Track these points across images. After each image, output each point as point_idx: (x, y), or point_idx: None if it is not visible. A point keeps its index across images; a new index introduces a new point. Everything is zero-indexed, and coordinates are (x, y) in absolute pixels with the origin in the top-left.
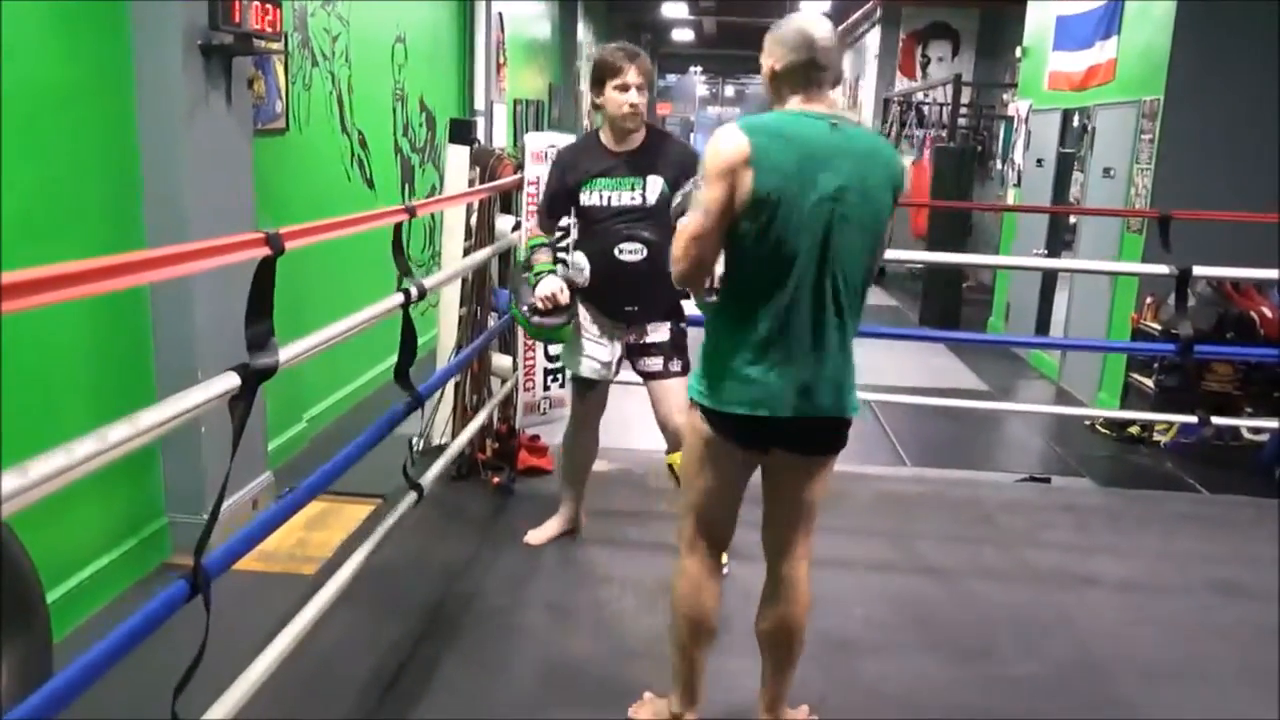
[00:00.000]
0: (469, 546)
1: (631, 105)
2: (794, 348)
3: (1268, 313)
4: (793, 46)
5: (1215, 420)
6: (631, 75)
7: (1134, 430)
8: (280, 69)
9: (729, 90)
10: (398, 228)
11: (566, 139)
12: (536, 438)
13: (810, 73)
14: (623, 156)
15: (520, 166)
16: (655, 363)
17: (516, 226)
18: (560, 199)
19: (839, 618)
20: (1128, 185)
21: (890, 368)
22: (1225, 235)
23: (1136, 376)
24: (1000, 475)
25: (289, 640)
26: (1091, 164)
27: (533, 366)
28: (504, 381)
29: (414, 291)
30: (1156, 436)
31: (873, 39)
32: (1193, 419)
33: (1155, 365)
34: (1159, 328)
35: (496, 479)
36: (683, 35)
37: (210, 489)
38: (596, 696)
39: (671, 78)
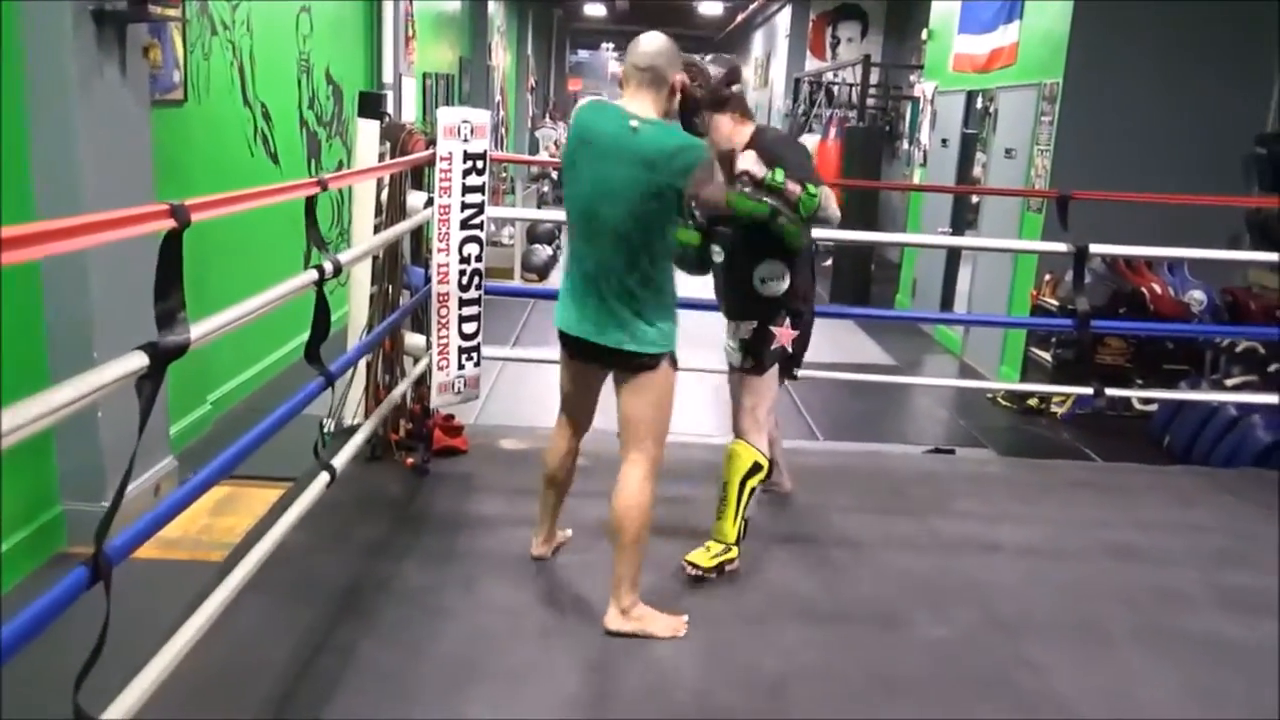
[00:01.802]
0: (385, 528)
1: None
2: (575, 286)
3: (1158, 289)
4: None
5: (1109, 392)
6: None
7: (1033, 402)
8: (178, 37)
9: None
10: (310, 201)
11: (480, 114)
12: (451, 418)
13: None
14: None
15: (432, 142)
16: (737, 358)
17: (429, 203)
18: None
19: (758, 589)
20: (1028, 166)
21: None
22: (1119, 215)
23: (1035, 351)
24: (908, 447)
25: (197, 628)
26: (994, 145)
27: (447, 345)
28: (417, 361)
29: (328, 268)
30: (1054, 408)
31: (783, 18)
32: (1088, 391)
33: (1053, 340)
34: (1057, 304)
35: (411, 460)
36: (595, 10)
37: (111, 475)
38: (516, 672)
39: (583, 54)
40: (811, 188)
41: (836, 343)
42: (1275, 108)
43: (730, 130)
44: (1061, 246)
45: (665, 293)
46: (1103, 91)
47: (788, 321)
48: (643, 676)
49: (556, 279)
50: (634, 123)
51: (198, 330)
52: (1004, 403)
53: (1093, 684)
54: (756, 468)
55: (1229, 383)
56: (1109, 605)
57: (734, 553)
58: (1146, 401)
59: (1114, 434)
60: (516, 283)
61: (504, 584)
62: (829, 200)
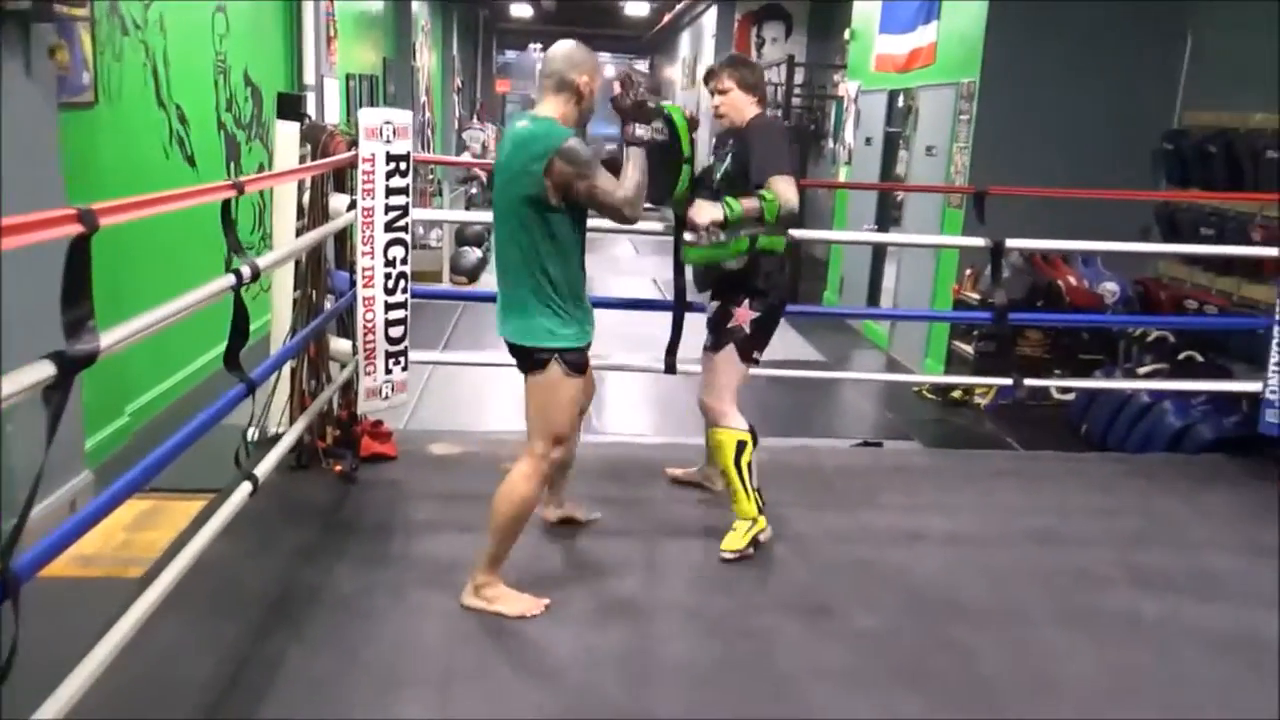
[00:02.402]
0: (312, 536)
1: (713, 107)
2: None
3: (1073, 281)
4: None
5: (1027, 382)
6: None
7: (957, 394)
8: (86, 38)
9: None
10: (226, 204)
11: (403, 115)
12: (379, 423)
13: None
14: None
15: (354, 143)
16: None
17: (352, 206)
18: None
19: (697, 587)
20: (948, 163)
21: None
22: (1036, 210)
23: (959, 344)
24: (837, 441)
25: (114, 645)
26: (915, 143)
27: (373, 350)
28: (343, 366)
29: (246, 272)
30: (977, 399)
31: (709, 19)
32: (1008, 382)
33: (974, 333)
34: (977, 297)
35: (339, 467)
36: (521, 11)
37: (19, 490)
38: (448, 677)
39: (511, 54)
40: (767, 194)
41: None
42: (1180, 104)
43: (743, 109)
44: (979, 241)
45: (556, 290)
46: (1017, 90)
47: (747, 302)
48: (574, 677)
49: (487, 282)
50: (522, 121)
51: (108, 338)
52: (929, 395)
53: (1016, 666)
54: (741, 446)
55: (1141, 371)
56: (1031, 589)
57: (761, 522)
58: (1064, 391)
59: (1034, 423)
60: (445, 285)
61: (435, 589)
62: (786, 193)
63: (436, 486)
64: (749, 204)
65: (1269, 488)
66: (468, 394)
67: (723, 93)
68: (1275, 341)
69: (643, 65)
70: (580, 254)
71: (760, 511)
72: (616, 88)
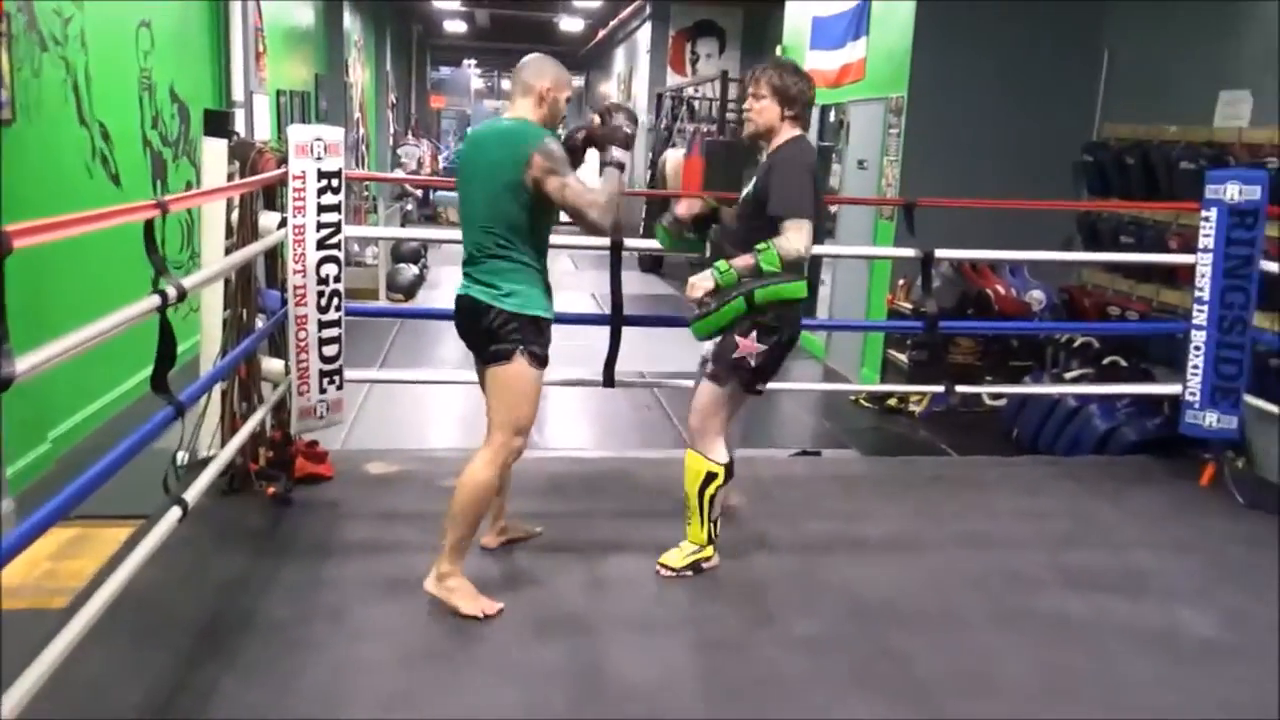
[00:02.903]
0: (245, 561)
1: (744, 110)
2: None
3: (1001, 290)
4: None
5: (959, 389)
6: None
7: (892, 402)
8: (3, 54)
9: (505, 84)
10: (149, 224)
11: (333, 131)
12: (315, 444)
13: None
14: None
15: (284, 160)
16: (706, 365)
17: (282, 224)
18: None
19: (639, 600)
20: (879, 176)
21: (671, 355)
22: (965, 221)
23: (893, 353)
24: (776, 451)
25: (37, 677)
26: (848, 156)
27: (306, 369)
28: (276, 386)
29: (172, 292)
30: (912, 407)
31: (644, 35)
32: (940, 389)
33: (908, 342)
34: (910, 307)
35: (272, 489)
36: (455, 26)
37: None
38: (389, 701)
39: (446, 70)
40: (762, 245)
41: (703, 351)
42: (1100, 117)
43: (774, 124)
44: (909, 252)
45: (527, 266)
46: (945, 104)
47: (754, 334)
48: (518, 696)
49: (424, 298)
50: (500, 122)
51: (25, 362)
52: (866, 404)
53: (953, 668)
54: (710, 476)
55: (1068, 376)
56: (966, 592)
57: (709, 551)
58: (995, 397)
59: (967, 429)
60: (382, 303)
61: (375, 611)
62: (789, 240)
63: (374, 506)
64: (742, 263)
65: (1190, 486)
66: (406, 412)
67: (756, 97)
68: (1192, 345)
69: (610, 88)
70: (549, 239)
71: (711, 542)
72: (596, 119)
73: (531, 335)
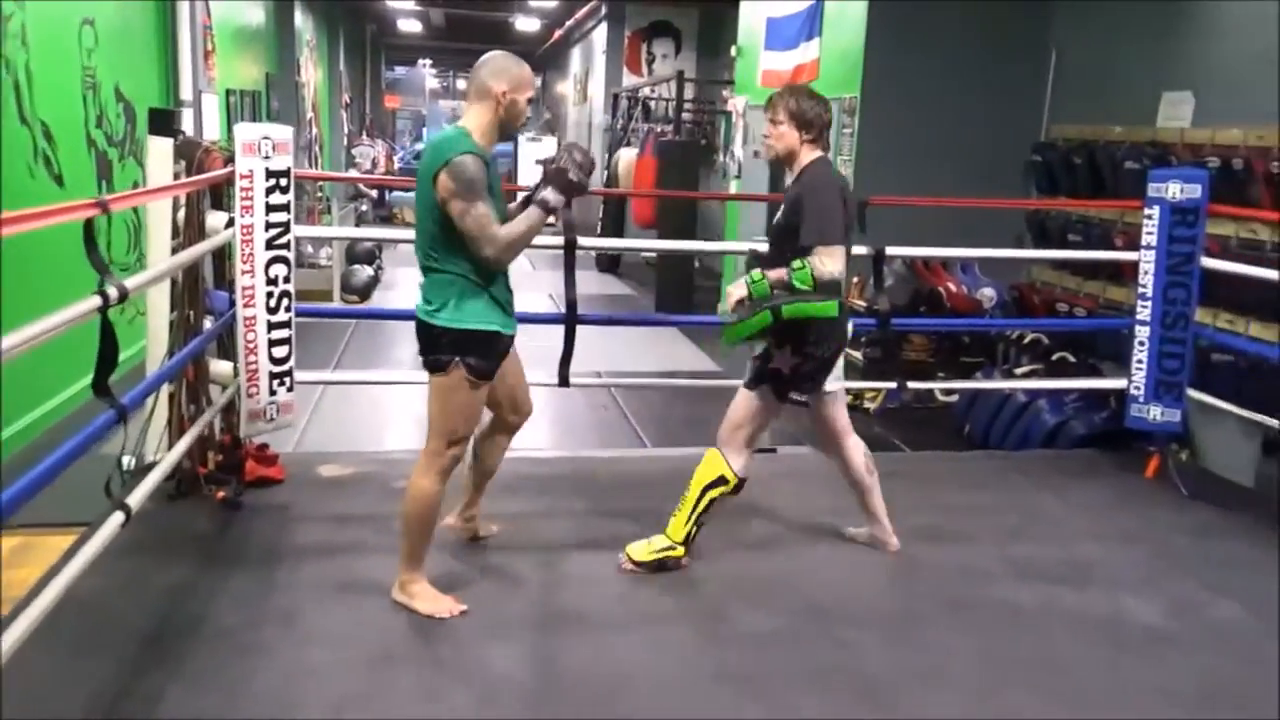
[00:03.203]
0: (193, 567)
1: (764, 136)
2: None
3: (953, 287)
4: None
5: (911, 385)
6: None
7: (846, 399)
8: None
9: (460, 84)
10: (89, 224)
11: (282, 130)
12: (265, 447)
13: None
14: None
15: (231, 159)
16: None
17: (230, 223)
18: None
19: (593, 598)
20: None
21: (627, 354)
22: (918, 220)
23: (848, 350)
24: None
25: None
26: None
27: (256, 371)
28: (225, 389)
29: (113, 293)
30: (867, 404)
31: (600, 35)
32: (893, 385)
33: (862, 339)
34: (864, 305)
35: (221, 493)
36: (410, 26)
37: None
38: (342, 705)
39: (401, 70)
40: (797, 262)
41: (662, 351)
42: (1048, 118)
43: (794, 147)
44: (862, 250)
45: (464, 279)
46: (897, 104)
47: (789, 349)
48: (473, 696)
49: (379, 299)
50: (447, 127)
51: None
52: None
53: (905, 661)
54: (721, 480)
55: (1018, 372)
56: (917, 586)
57: (679, 551)
58: (947, 393)
59: (920, 425)
60: (336, 304)
61: (328, 615)
62: (823, 264)
63: (327, 509)
64: (775, 275)
65: (1136, 479)
66: (362, 414)
67: (774, 123)
68: (1136, 340)
69: (567, 88)
70: None
71: (686, 545)
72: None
73: (468, 348)
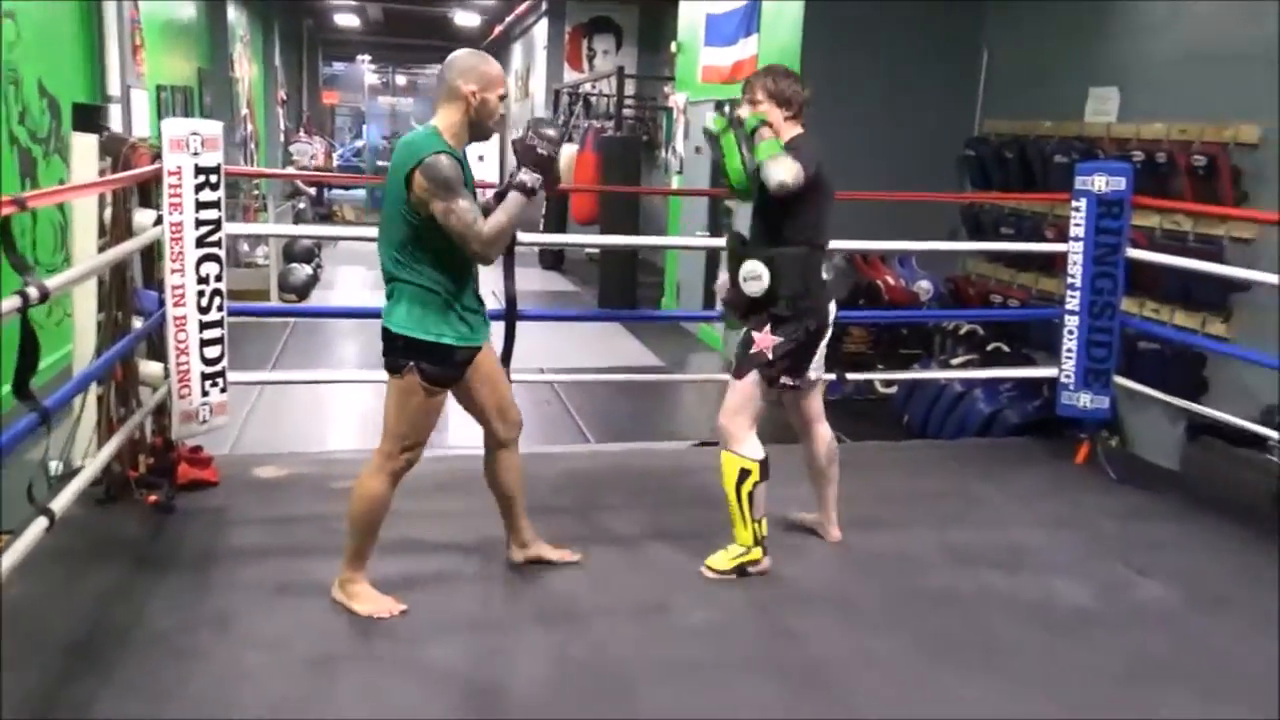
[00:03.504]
0: (124, 572)
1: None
2: None
3: (891, 281)
4: None
5: (850, 376)
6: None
7: None
8: None
9: (400, 80)
10: (6, 221)
11: (211, 125)
12: (199, 449)
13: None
14: None
15: (159, 155)
16: None
17: (158, 221)
18: None
19: (536, 597)
20: None
21: (571, 350)
22: (856, 214)
23: None
24: (676, 443)
25: None
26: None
27: (187, 372)
28: (156, 390)
29: (34, 293)
30: None
31: (541, 31)
32: (832, 377)
33: None
34: None
35: (153, 497)
36: (347, 21)
37: None
38: (279, 708)
39: (339, 66)
40: (775, 145)
41: (605, 346)
42: (980, 113)
43: (778, 124)
44: None
45: (428, 289)
46: (835, 100)
47: (768, 328)
48: (413, 695)
49: (318, 298)
50: (416, 128)
51: None
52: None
53: (845, 647)
54: (744, 474)
55: (954, 362)
56: (856, 574)
57: (756, 553)
58: (886, 384)
59: (861, 416)
60: (274, 303)
61: (265, 617)
62: (779, 163)
63: (263, 511)
64: (766, 132)
65: (1067, 465)
66: (301, 414)
67: (754, 104)
68: (1066, 330)
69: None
70: (461, 257)
71: (758, 543)
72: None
73: (423, 354)
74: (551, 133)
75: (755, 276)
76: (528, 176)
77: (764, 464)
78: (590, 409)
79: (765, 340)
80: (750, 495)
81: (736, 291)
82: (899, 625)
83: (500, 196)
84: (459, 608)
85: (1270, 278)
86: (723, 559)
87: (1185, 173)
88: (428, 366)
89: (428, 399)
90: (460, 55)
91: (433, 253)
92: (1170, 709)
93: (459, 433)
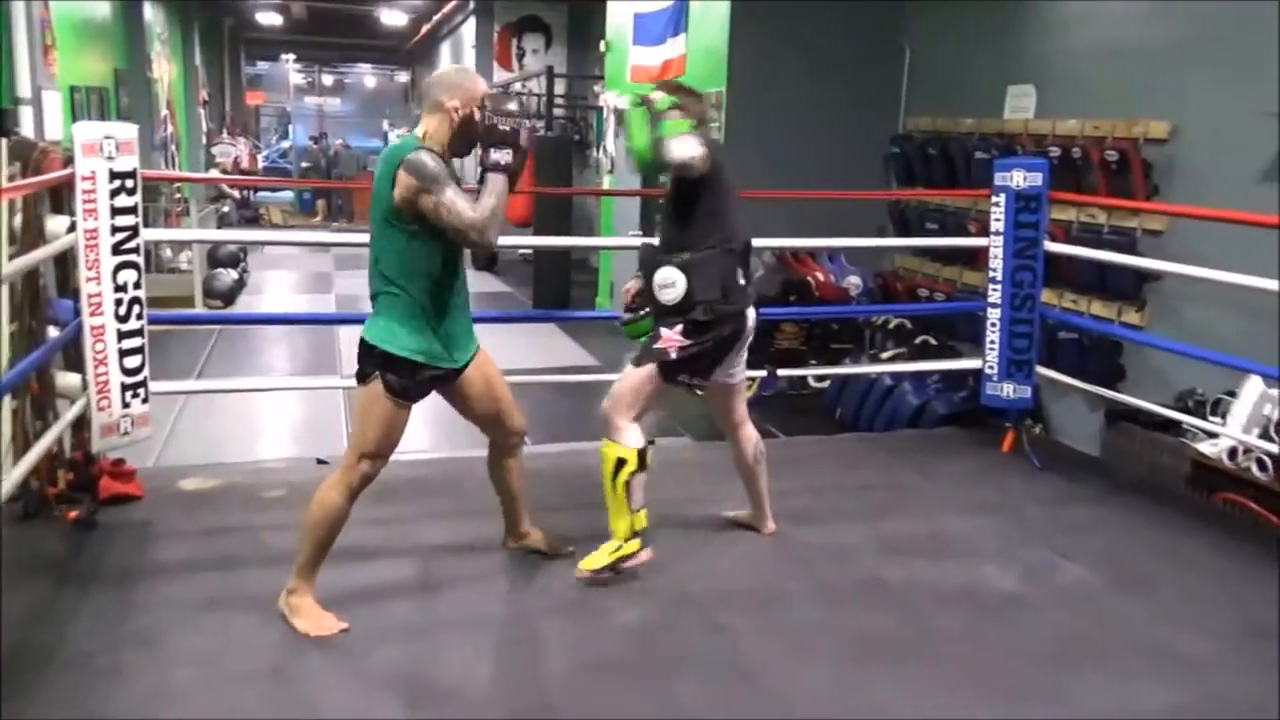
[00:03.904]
0: (44, 591)
1: None
2: None
3: (821, 277)
4: None
5: (782, 372)
6: None
7: None
8: None
9: (327, 79)
10: None
11: (126, 128)
12: (121, 462)
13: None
14: None
15: (71, 160)
16: None
17: (72, 228)
18: None
19: (468, 600)
20: None
21: (506, 351)
22: (787, 212)
23: None
24: None
25: None
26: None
27: (106, 383)
28: (74, 402)
29: None
30: None
31: (469, 30)
32: (761, 374)
33: None
34: None
35: (74, 513)
36: (270, 20)
37: None
38: None
39: (263, 65)
40: (681, 124)
41: (541, 347)
42: (904, 111)
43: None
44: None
45: (410, 303)
46: (762, 99)
47: (680, 328)
48: (348, 706)
49: (244, 303)
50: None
51: None
52: (699, 392)
53: (777, 641)
54: (621, 463)
55: (884, 356)
56: (789, 567)
57: (633, 544)
58: (819, 379)
59: (795, 411)
60: (199, 310)
61: (193, 634)
62: (682, 142)
63: (189, 524)
64: (673, 114)
65: (993, 453)
66: (229, 423)
67: (669, 93)
68: (988, 322)
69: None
70: (448, 276)
71: (637, 535)
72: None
73: (390, 366)
74: (510, 106)
75: (669, 284)
76: (499, 155)
77: (642, 454)
78: (526, 410)
79: (672, 340)
80: (627, 485)
81: (651, 299)
82: (831, 617)
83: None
84: (393, 616)
85: (1181, 268)
86: (598, 557)
87: (1099, 167)
88: (392, 378)
89: (391, 410)
90: (445, 72)
91: (415, 269)
92: (1094, 689)
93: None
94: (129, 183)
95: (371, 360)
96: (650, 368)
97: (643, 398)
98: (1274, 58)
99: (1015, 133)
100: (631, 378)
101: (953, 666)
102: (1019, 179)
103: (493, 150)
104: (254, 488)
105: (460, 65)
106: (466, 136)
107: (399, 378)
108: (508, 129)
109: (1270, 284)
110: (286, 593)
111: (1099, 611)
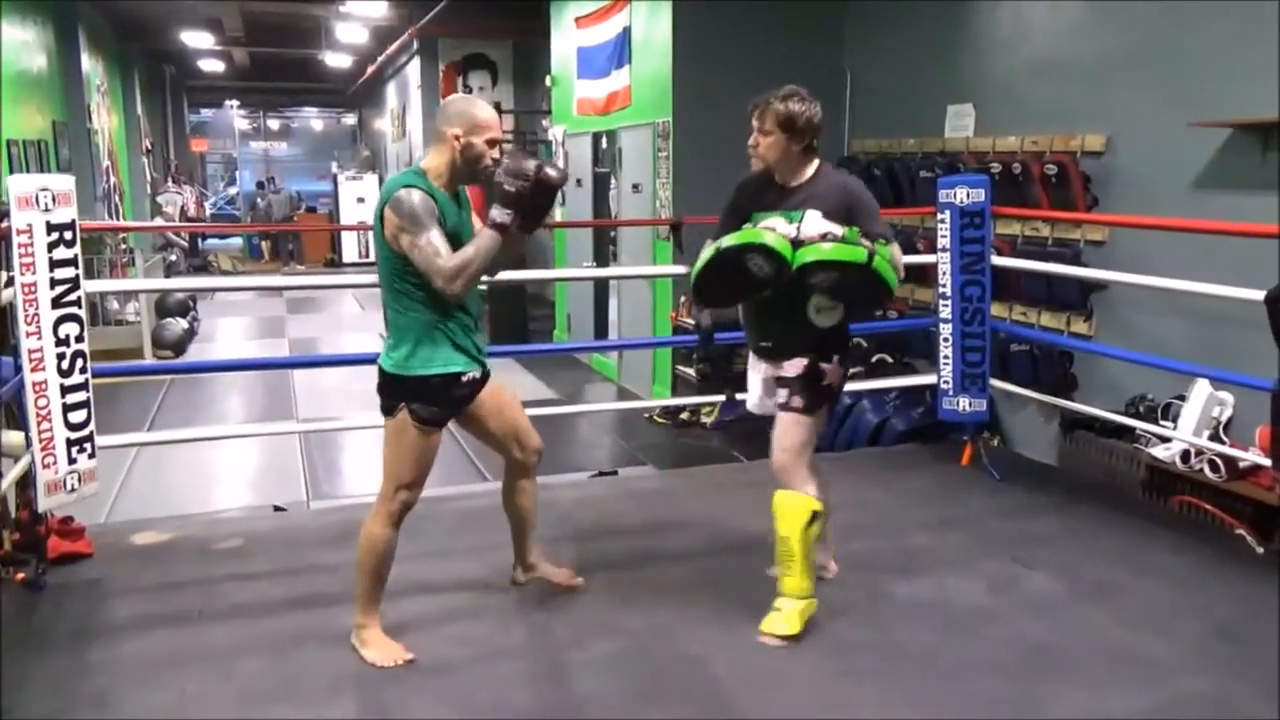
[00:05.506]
0: None
1: (751, 146)
2: None
3: None
4: None
5: (739, 396)
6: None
7: (685, 416)
8: None
9: (274, 124)
10: None
11: (63, 180)
12: (69, 519)
13: None
14: (786, 191)
15: (5, 214)
16: (781, 396)
17: (9, 283)
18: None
19: (433, 643)
20: (653, 198)
21: None
22: None
23: (681, 368)
24: (575, 475)
25: None
26: (623, 181)
27: (51, 439)
28: (17, 461)
29: None
30: (704, 419)
31: (414, 70)
32: (722, 398)
33: (695, 355)
34: (692, 322)
35: (21, 575)
36: (212, 66)
37: None
38: None
39: (207, 112)
40: (881, 244)
41: (498, 381)
42: (849, 133)
43: (793, 162)
44: (680, 269)
45: (414, 331)
46: (708, 126)
47: (836, 359)
48: None
49: (195, 352)
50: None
51: None
52: (661, 420)
53: (746, 665)
54: (815, 516)
55: None
56: (755, 591)
57: (814, 603)
58: None
59: (757, 435)
60: (148, 360)
61: (150, 693)
62: (896, 255)
63: (143, 580)
64: (864, 243)
65: (953, 467)
66: (183, 475)
67: (765, 134)
68: (941, 337)
69: (384, 124)
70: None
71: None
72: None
73: (416, 394)
74: (527, 166)
75: (832, 306)
76: (499, 214)
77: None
78: (484, 446)
79: (835, 371)
80: (813, 541)
81: (801, 324)
82: (801, 640)
83: None
84: (352, 662)
85: (1124, 276)
86: (786, 622)
87: (1039, 181)
88: (419, 406)
89: (421, 439)
90: (452, 100)
91: (421, 289)
92: (1065, 697)
93: (351, 480)
94: (67, 234)
95: (395, 391)
96: (821, 412)
97: (814, 440)
98: (1199, 70)
99: (957, 151)
100: (804, 424)
101: (925, 681)
102: (963, 196)
103: (495, 207)
104: (208, 539)
105: (467, 95)
106: (470, 167)
107: (427, 404)
108: (514, 191)
109: (1210, 289)
110: (355, 628)
111: (1065, 620)
